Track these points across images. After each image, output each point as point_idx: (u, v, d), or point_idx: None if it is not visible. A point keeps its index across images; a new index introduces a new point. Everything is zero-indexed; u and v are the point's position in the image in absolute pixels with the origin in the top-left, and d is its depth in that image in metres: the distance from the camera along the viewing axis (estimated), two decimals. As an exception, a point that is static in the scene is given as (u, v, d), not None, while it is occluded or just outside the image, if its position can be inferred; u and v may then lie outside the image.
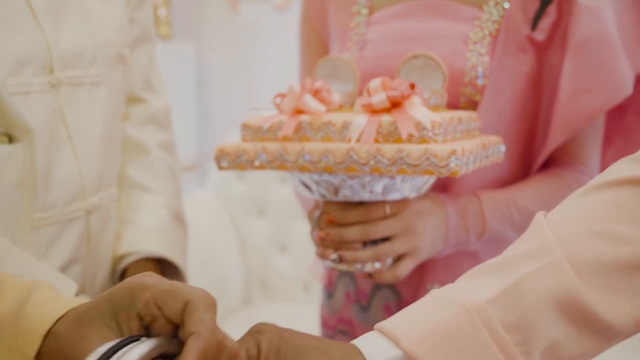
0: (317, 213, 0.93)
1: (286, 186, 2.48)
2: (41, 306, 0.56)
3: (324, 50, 1.20)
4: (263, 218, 2.56)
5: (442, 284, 1.00)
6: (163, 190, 1.13)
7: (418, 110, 0.81)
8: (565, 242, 0.63)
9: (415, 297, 1.03)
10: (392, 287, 1.06)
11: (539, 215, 0.68)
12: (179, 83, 3.22)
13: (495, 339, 0.58)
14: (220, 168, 0.91)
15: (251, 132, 0.90)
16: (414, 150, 0.79)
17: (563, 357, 0.62)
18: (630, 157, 0.70)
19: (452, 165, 0.77)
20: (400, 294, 1.05)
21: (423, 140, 0.80)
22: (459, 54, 1.00)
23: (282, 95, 0.91)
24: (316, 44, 1.20)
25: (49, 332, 0.55)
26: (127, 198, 1.11)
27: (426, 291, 1.02)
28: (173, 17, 3.42)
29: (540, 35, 1.02)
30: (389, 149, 0.80)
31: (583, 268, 0.62)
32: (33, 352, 0.55)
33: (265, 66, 3.21)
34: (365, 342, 0.59)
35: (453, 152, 0.78)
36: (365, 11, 1.09)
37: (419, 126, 0.80)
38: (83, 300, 0.58)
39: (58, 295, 0.58)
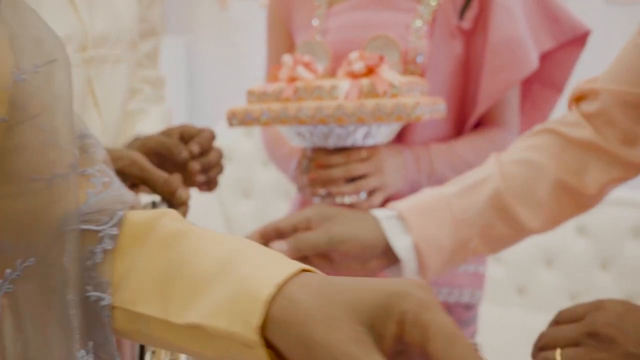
0: (305, 162, 1.19)
1: (270, 169, 2.70)
2: (257, 266, 0.49)
3: (289, 40, 1.45)
4: (248, 199, 2.81)
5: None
6: None
7: (389, 74, 1.09)
8: (502, 166, 0.94)
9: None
10: None
11: (491, 155, 1.00)
12: (170, 78, 3.30)
13: (451, 214, 0.91)
14: (231, 125, 1.15)
15: (255, 96, 1.15)
16: (388, 102, 1.06)
17: (492, 235, 0.96)
18: (554, 119, 1.04)
19: (417, 112, 1.05)
20: None
21: (394, 95, 1.07)
22: (402, 39, 1.28)
23: (277, 67, 1.17)
24: (282, 34, 1.45)
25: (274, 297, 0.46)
26: None
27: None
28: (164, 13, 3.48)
29: (466, 24, 1.31)
30: (369, 103, 1.07)
31: (510, 184, 0.93)
32: (256, 320, 0.46)
33: (255, 62, 3.33)
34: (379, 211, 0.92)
35: (417, 103, 1.06)
36: (325, 5, 1.36)
37: (391, 85, 1.08)
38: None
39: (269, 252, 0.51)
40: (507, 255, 2.38)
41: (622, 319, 0.63)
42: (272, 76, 1.18)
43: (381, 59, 1.12)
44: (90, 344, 0.54)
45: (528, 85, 1.40)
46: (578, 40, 1.37)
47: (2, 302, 0.52)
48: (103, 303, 0.53)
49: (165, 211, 0.56)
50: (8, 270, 0.52)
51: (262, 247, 0.51)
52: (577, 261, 2.41)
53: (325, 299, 0.45)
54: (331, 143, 1.14)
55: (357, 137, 1.13)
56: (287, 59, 1.16)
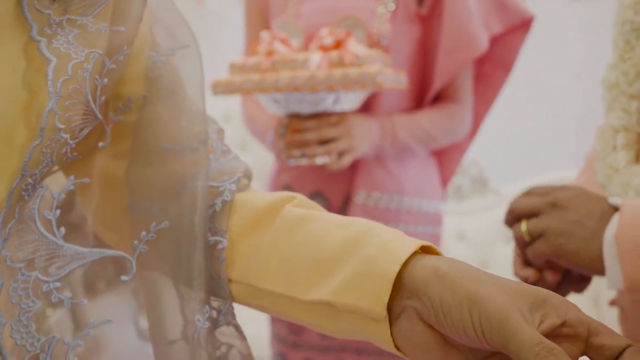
0: (281, 128, 1.35)
1: (249, 153, 2.75)
2: (385, 243, 0.52)
3: (266, 25, 1.59)
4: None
5: (365, 190, 1.43)
6: None
7: (355, 47, 1.25)
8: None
9: (343, 205, 1.44)
10: (323, 196, 1.48)
11: None
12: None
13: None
14: (215, 93, 1.30)
15: (236, 69, 1.30)
16: (354, 71, 1.22)
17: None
18: None
19: (379, 79, 1.22)
20: (330, 201, 1.48)
21: (359, 65, 1.24)
22: (368, 23, 1.44)
23: (256, 43, 1.32)
24: (259, 22, 1.59)
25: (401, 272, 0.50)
26: None
27: (354, 197, 1.44)
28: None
29: (424, 10, 1.48)
30: (338, 72, 1.23)
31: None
32: (384, 297, 0.49)
33: (231, 55, 3.39)
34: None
35: (380, 71, 1.22)
36: None
37: (357, 56, 1.24)
38: None
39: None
40: (470, 233, 2.54)
41: (577, 196, 0.79)
42: (251, 51, 1.33)
43: (348, 34, 1.28)
44: (211, 300, 0.58)
45: (480, 65, 1.58)
46: (523, 24, 1.55)
47: (137, 262, 0.56)
48: (221, 246, 0.58)
49: (289, 196, 0.59)
50: (143, 233, 0.57)
51: (384, 227, 0.54)
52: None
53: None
54: (305, 109, 1.29)
55: (328, 103, 1.29)
56: (265, 35, 1.31)
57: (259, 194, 0.61)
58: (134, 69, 0.58)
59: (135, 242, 0.57)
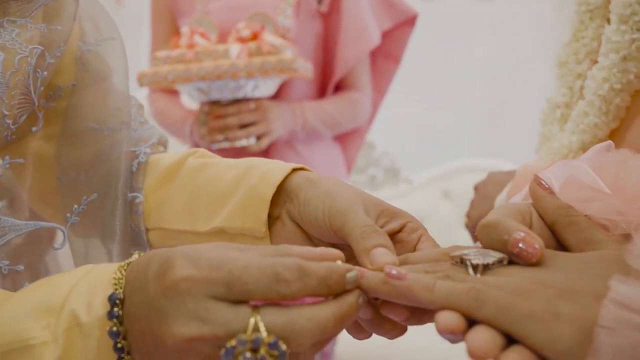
0: (203, 116, 1.45)
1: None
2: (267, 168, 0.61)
3: (174, 25, 1.69)
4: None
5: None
6: None
7: (270, 37, 1.37)
8: None
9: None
10: None
11: None
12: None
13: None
14: (141, 84, 1.39)
15: (160, 61, 1.40)
16: (272, 58, 1.35)
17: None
18: None
19: (295, 65, 1.34)
20: None
21: (276, 53, 1.36)
22: (274, 18, 1.57)
23: (177, 37, 1.42)
24: (167, 20, 1.69)
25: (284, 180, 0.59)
26: None
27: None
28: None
29: (324, 8, 1.63)
30: (257, 60, 1.35)
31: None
32: (264, 215, 0.58)
33: (148, 52, 3.35)
34: None
35: (295, 58, 1.35)
36: None
37: (273, 45, 1.36)
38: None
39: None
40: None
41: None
42: (173, 44, 1.43)
43: (262, 27, 1.41)
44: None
45: (374, 58, 1.76)
46: (409, 21, 1.74)
47: (68, 232, 0.63)
48: (138, 201, 0.66)
49: (193, 150, 0.68)
50: (75, 206, 0.63)
51: (267, 160, 0.63)
52: (442, 222, 2.75)
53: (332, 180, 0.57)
54: (226, 96, 1.40)
55: (248, 89, 1.40)
56: (185, 30, 1.42)
57: (169, 154, 0.70)
58: (64, 60, 0.64)
59: (68, 214, 0.64)
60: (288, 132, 1.53)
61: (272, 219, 0.60)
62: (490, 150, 2.95)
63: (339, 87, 1.69)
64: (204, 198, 0.63)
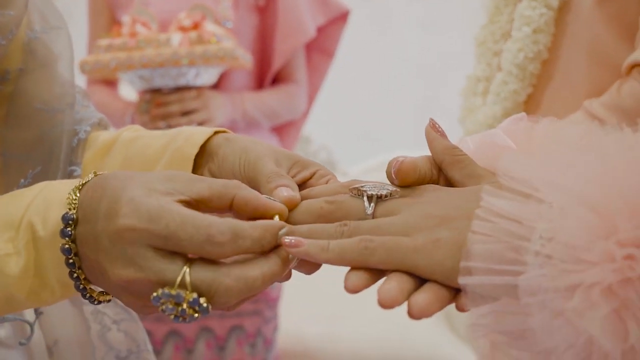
0: (144, 104, 1.48)
1: None
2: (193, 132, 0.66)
3: (110, 15, 1.71)
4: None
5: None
6: None
7: (211, 27, 1.41)
8: None
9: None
10: None
11: None
12: None
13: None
14: (83, 72, 1.41)
15: (102, 49, 1.42)
16: (214, 47, 1.39)
17: None
18: None
19: (236, 53, 1.39)
20: None
21: (217, 42, 1.40)
22: (214, 9, 1.61)
23: (118, 26, 1.45)
24: (104, 12, 1.71)
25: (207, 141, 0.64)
26: None
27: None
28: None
29: (261, 2, 1.68)
30: (199, 48, 1.39)
31: None
32: (195, 150, 0.63)
33: (82, 52, 3.30)
34: None
35: (236, 46, 1.39)
36: None
37: (214, 34, 1.40)
38: None
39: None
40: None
41: None
42: (115, 33, 1.46)
43: (203, 17, 1.45)
44: None
45: (309, 54, 1.83)
46: (341, 17, 1.82)
47: None
48: (76, 174, 0.70)
49: (128, 127, 0.73)
50: (22, 180, 0.66)
51: (191, 127, 0.68)
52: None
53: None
54: (168, 83, 1.44)
55: (189, 77, 1.44)
56: (126, 19, 1.45)
57: (107, 132, 0.74)
58: (13, 45, 0.67)
59: (15, 188, 0.65)
60: (228, 121, 1.57)
61: None
62: (424, 142, 3.05)
63: (276, 80, 1.75)
64: (136, 164, 0.67)
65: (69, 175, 0.70)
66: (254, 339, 1.66)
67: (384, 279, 0.46)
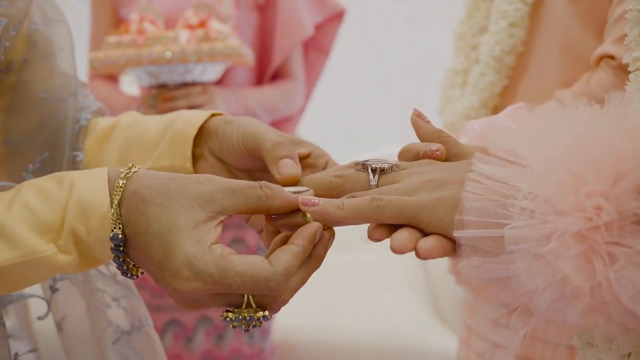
0: (151, 99, 1.52)
1: None
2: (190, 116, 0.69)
3: (114, 14, 1.74)
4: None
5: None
6: None
7: (217, 25, 1.46)
8: None
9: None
10: None
11: None
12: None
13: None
14: (95, 69, 1.45)
15: (111, 46, 1.46)
16: (220, 44, 1.43)
17: None
18: None
19: (242, 50, 1.43)
20: None
21: (223, 40, 1.45)
22: (217, 7, 1.65)
23: (126, 24, 1.49)
24: (107, 10, 1.74)
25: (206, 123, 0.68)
26: None
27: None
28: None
29: (261, 0, 1.73)
30: (206, 45, 1.43)
31: None
32: (188, 152, 0.68)
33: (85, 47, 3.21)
34: None
35: (241, 44, 1.44)
36: None
37: (220, 32, 1.45)
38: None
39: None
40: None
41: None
42: (123, 30, 1.50)
43: (209, 15, 1.49)
44: None
45: (306, 51, 1.88)
46: (338, 16, 1.87)
47: None
48: (79, 159, 0.74)
49: (126, 113, 0.77)
50: (30, 165, 0.70)
51: (190, 111, 0.72)
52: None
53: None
54: (176, 79, 1.48)
55: (196, 74, 1.49)
56: (134, 16, 1.49)
57: (107, 118, 0.78)
58: (17, 36, 0.69)
59: (24, 173, 0.70)
60: (231, 114, 1.61)
61: (196, 158, 0.69)
62: (411, 137, 3.12)
63: (275, 76, 1.80)
64: (136, 148, 0.71)
65: (73, 159, 0.73)
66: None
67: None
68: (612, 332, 0.50)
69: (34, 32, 0.71)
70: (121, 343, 0.78)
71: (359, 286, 2.38)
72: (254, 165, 0.66)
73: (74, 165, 0.73)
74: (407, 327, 2.13)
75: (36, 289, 0.71)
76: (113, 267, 0.77)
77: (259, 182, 0.55)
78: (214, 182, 0.55)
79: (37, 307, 0.76)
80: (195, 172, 0.69)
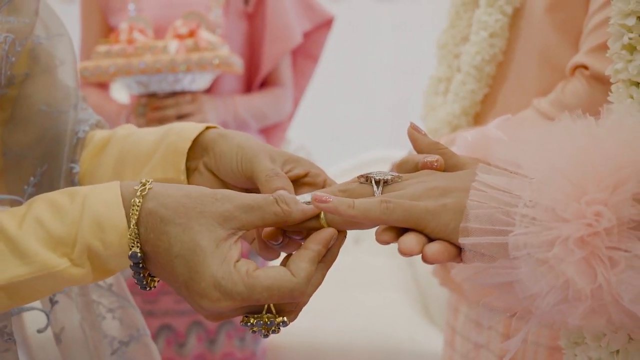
0: (140, 108, 1.55)
1: None
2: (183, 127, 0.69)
3: (104, 22, 1.77)
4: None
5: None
6: None
7: (206, 34, 1.49)
8: None
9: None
10: None
11: None
12: None
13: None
14: (84, 78, 1.47)
15: (101, 55, 1.49)
16: (210, 54, 1.46)
17: None
18: None
19: (231, 60, 1.46)
20: None
21: (213, 49, 1.48)
22: (206, 16, 1.68)
23: (116, 33, 1.51)
24: (97, 18, 1.77)
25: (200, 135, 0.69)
26: None
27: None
28: None
29: (250, 8, 1.76)
30: (195, 55, 1.46)
31: None
32: (182, 165, 0.68)
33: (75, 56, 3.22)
34: None
35: (230, 54, 1.47)
36: None
37: (209, 42, 1.48)
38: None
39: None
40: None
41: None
42: (113, 39, 1.52)
43: (199, 24, 1.52)
44: None
45: (295, 58, 1.92)
46: (326, 23, 1.91)
47: (25, 200, 0.66)
48: (75, 171, 0.75)
49: (122, 125, 0.78)
50: (31, 178, 0.70)
51: (184, 123, 0.72)
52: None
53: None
54: (166, 88, 1.51)
55: (185, 83, 1.51)
56: (123, 26, 1.51)
57: (103, 131, 0.78)
58: (22, 52, 0.70)
59: (25, 186, 0.71)
60: (220, 123, 1.64)
61: (190, 171, 0.70)
62: (399, 140, 3.17)
63: (263, 84, 1.83)
64: (130, 160, 0.71)
65: (69, 171, 0.74)
66: (243, 332, 1.74)
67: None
68: (601, 329, 0.53)
69: (37, 46, 0.72)
70: (119, 354, 0.78)
71: (349, 288, 2.41)
72: (250, 186, 0.67)
73: (70, 177, 0.74)
74: (397, 328, 2.16)
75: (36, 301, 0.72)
76: (109, 278, 0.78)
77: (275, 195, 0.57)
78: (231, 200, 0.56)
79: (32, 319, 0.76)
80: (189, 184, 0.69)
